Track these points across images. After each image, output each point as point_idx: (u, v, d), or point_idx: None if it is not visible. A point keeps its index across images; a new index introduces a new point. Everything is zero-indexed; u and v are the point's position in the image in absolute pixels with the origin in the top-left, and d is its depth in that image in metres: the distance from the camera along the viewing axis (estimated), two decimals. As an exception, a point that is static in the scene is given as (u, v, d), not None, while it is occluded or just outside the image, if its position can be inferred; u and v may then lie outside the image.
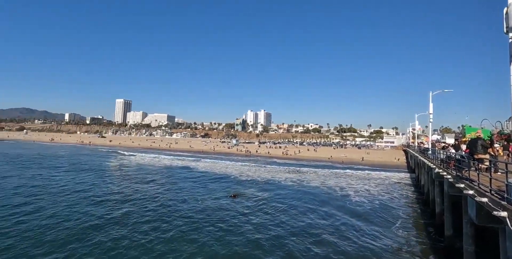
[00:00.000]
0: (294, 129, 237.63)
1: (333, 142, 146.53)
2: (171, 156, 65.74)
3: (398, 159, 59.92)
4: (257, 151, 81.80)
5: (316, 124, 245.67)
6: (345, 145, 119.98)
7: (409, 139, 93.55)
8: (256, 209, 21.14)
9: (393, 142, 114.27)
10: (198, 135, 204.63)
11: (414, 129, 54.35)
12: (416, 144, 44.67)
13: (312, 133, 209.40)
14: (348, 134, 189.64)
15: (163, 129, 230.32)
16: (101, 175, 35.78)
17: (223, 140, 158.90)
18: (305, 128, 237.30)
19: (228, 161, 57.94)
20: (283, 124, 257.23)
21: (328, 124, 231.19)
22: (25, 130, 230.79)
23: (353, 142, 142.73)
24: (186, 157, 65.32)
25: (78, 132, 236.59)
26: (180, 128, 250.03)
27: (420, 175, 30.12)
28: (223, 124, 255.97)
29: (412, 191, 30.17)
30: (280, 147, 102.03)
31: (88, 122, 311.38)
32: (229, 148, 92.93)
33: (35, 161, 48.66)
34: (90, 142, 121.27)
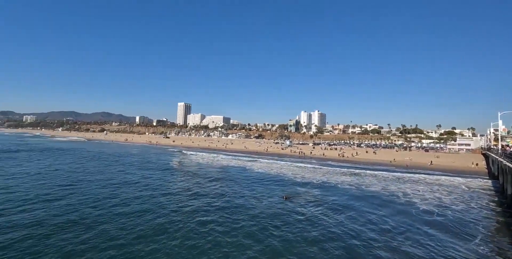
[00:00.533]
0: (350, 130, 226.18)
1: (395, 144, 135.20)
2: (228, 156, 68.70)
3: (477, 164, 52.10)
4: (311, 152, 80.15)
5: (375, 125, 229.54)
6: (409, 147, 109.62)
7: (490, 141, 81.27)
8: (309, 212, 20.75)
9: (469, 145, 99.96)
10: (252, 136, 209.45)
11: (496, 130, 47.02)
12: (500, 147, 38.52)
13: (370, 134, 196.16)
14: (413, 135, 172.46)
15: (219, 130, 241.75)
16: (168, 172, 39.32)
17: (276, 141, 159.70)
18: (362, 129, 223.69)
19: (282, 161, 58.11)
20: (338, 125, 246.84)
21: (389, 124, 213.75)
22: (105, 131, 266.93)
23: (419, 144, 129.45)
24: (242, 157, 67.47)
25: (147, 133, 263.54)
26: (235, 129, 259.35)
27: (506, 183, 25.96)
28: (276, 125, 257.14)
29: (494, 202, 26.01)
30: (335, 148, 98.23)
31: (154, 124, 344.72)
32: (282, 149, 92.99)
33: (114, 158, 55.91)
34: (157, 142, 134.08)
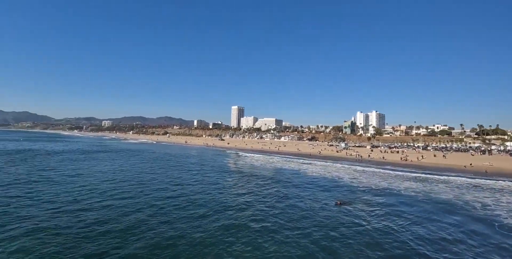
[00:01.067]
0: (414, 131, 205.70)
1: (470, 147, 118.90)
2: (281, 158, 69.01)
3: None
4: (369, 155, 75.42)
5: (444, 125, 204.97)
6: (489, 150, 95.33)
7: None
8: (367, 221, 19.38)
9: None
10: (304, 138, 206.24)
11: None
12: None
13: (439, 135, 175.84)
14: (493, 136, 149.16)
15: (271, 133, 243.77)
16: (226, 174, 41.22)
17: (330, 143, 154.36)
18: (429, 130, 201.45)
19: (338, 164, 56.04)
20: (399, 126, 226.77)
21: (461, 125, 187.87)
22: (167, 134, 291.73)
23: (501, 147, 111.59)
24: (295, 159, 67.04)
25: (204, 136, 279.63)
26: (287, 131, 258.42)
27: None
28: (330, 127, 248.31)
29: None
30: (397, 151, 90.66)
31: (210, 127, 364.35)
32: (337, 151, 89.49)
33: (177, 159, 60.76)
34: (213, 144, 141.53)
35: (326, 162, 61.75)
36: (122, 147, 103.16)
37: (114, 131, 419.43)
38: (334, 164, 57.61)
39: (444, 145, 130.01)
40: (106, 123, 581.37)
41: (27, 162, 45.69)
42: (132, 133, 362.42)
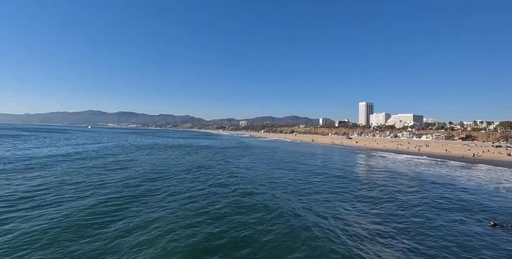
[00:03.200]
0: None
1: None
2: (425, 160, 59.40)
3: None
4: None
5: None
6: None
7: None
8: None
9: None
10: (456, 137, 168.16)
11: None
12: None
13: None
14: None
15: (408, 131, 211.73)
16: (360, 175, 39.70)
17: (497, 143, 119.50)
18: None
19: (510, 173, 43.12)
20: None
21: None
22: (294, 133, 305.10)
23: None
24: (445, 162, 56.18)
25: (329, 134, 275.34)
26: (430, 129, 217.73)
27: None
28: (496, 123, 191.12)
29: None
30: None
31: (336, 125, 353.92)
32: (509, 154, 68.39)
33: (305, 157, 62.99)
34: (341, 142, 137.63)
35: (494, 169, 48.62)
36: (259, 144, 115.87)
37: (248, 130, 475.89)
38: (502, 173, 44.63)
39: None
40: (242, 123, 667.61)
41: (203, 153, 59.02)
42: (263, 131, 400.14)
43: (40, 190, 21.73)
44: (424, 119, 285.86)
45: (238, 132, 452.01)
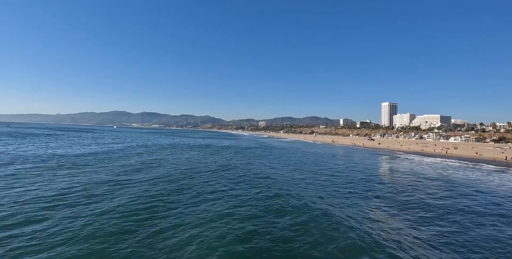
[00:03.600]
0: None
1: None
2: (455, 164, 56.64)
3: None
4: None
5: None
6: None
7: None
8: None
9: None
10: (488, 140, 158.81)
11: None
12: None
13: None
14: None
15: (435, 132, 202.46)
16: (381, 177, 38.66)
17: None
18: None
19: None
20: None
21: None
22: (314, 133, 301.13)
23: None
24: (473, 165, 53.30)
25: (351, 135, 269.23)
26: (459, 130, 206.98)
27: None
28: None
29: None
30: None
31: (358, 125, 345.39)
32: (548, 159, 63.61)
33: (327, 158, 62.09)
34: (363, 144, 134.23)
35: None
36: (278, 145, 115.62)
37: (267, 131, 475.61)
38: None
39: None
40: (261, 124, 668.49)
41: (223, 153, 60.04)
42: (283, 132, 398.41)
43: (73, 188, 22.93)
44: (453, 120, 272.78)
45: (257, 132, 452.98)
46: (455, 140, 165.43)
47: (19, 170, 29.06)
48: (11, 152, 44.20)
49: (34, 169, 30.09)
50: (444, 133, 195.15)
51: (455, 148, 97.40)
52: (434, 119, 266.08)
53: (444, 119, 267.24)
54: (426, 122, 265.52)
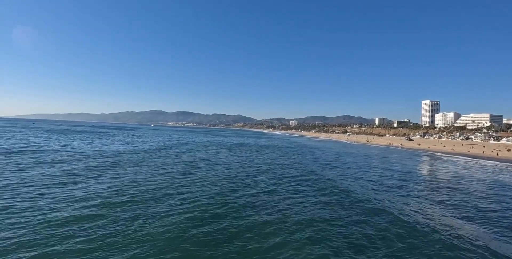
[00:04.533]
0: None
1: None
2: (507, 167, 52.27)
3: None
4: None
5: None
6: None
7: None
8: None
9: None
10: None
11: None
12: None
13: None
14: None
15: (484, 132, 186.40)
16: (426, 179, 37.28)
17: None
18: None
19: None
20: None
21: None
22: (347, 133, 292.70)
23: None
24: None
25: (387, 135, 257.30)
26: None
27: None
28: None
29: None
30: None
31: (395, 125, 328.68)
32: None
33: (363, 159, 60.68)
34: (400, 144, 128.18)
35: None
36: (313, 145, 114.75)
37: (299, 130, 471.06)
38: None
39: None
40: (292, 123, 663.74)
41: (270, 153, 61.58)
42: (314, 131, 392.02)
43: (122, 185, 24.23)
44: (505, 120, 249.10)
45: (288, 131, 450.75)
46: (507, 141, 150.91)
47: (93, 166, 32.63)
48: (74, 148, 49.45)
49: (109, 164, 33.73)
50: (494, 134, 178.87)
51: (507, 150, 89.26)
52: (482, 118, 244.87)
53: (495, 118, 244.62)
54: (473, 121, 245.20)
